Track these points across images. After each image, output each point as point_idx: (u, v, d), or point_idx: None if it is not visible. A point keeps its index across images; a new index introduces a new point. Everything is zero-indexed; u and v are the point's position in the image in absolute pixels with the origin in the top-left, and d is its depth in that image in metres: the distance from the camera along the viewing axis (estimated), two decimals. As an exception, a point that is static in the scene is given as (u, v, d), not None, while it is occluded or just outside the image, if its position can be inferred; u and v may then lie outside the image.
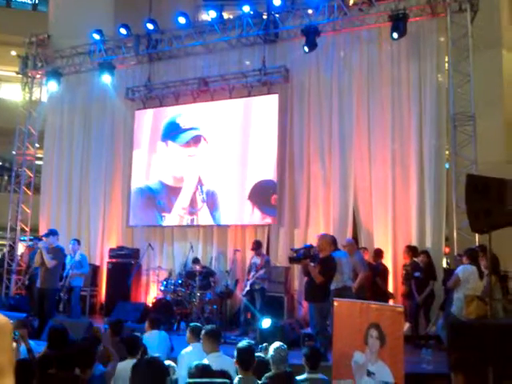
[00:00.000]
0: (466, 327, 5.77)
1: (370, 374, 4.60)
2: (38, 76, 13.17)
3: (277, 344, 4.86)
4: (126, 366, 4.25)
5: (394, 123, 9.32)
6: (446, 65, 9.17)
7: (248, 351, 4.23)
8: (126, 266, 10.62)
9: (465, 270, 6.63)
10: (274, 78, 10.28)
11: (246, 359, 4.16)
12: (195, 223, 10.62)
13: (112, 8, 13.62)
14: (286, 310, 9.12)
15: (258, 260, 8.71)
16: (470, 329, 5.67)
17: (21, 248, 12.74)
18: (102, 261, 11.47)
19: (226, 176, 10.39)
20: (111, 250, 11.09)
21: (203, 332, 4.87)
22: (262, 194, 9.98)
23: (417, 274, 7.86)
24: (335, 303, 5.38)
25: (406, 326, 7.56)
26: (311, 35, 9.53)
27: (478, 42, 9.14)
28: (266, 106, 10.26)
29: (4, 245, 14.92)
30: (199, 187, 10.62)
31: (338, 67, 9.96)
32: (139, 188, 11.31)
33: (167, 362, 4.42)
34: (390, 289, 8.62)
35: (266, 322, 7.08)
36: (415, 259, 8.10)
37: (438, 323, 7.46)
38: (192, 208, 10.64)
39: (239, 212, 10.18)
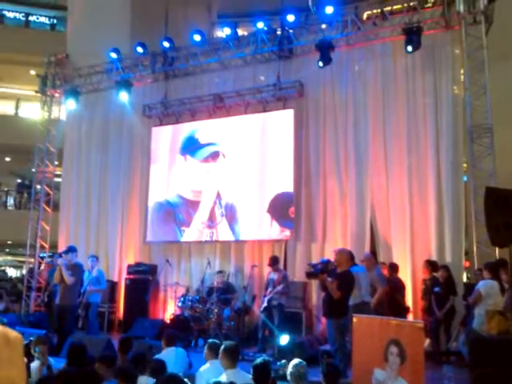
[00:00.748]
0: (487, 343, 5.68)
1: (390, 391, 4.54)
2: (57, 95, 13.39)
3: (296, 360, 4.82)
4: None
5: (410, 136, 9.27)
6: (462, 77, 9.12)
7: (264, 368, 4.20)
8: (143, 282, 10.65)
9: (486, 285, 6.51)
10: (288, 92, 10.32)
11: (261, 376, 4.13)
12: (214, 237, 10.64)
13: (128, 27, 13.85)
14: (304, 326, 9.05)
15: (275, 275, 8.67)
16: (491, 345, 5.57)
17: (40, 265, 12.86)
18: (120, 277, 11.53)
19: (245, 190, 10.41)
20: (129, 267, 11.15)
21: (222, 348, 4.86)
22: (280, 207, 9.99)
23: (436, 289, 7.76)
24: (354, 319, 5.33)
25: (427, 342, 7.45)
26: (325, 50, 9.57)
27: (493, 53, 9.09)
28: (282, 121, 10.29)
29: (23, 262, 15.12)
30: (218, 201, 10.65)
31: (353, 81, 9.97)
32: (158, 202, 11.38)
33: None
34: (410, 304, 8.50)
35: (284, 339, 7.04)
36: (435, 274, 8.00)
37: (459, 339, 7.34)
38: (211, 222, 10.67)
39: (258, 225, 10.19)
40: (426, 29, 9.12)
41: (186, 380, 4.61)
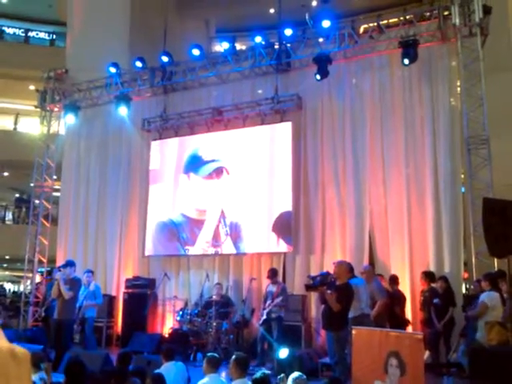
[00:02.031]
0: (487, 354, 5.65)
1: (390, 404, 4.51)
2: (56, 109, 13.46)
3: (296, 374, 4.79)
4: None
5: (407, 148, 9.31)
6: (459, 89, 9.19)
7: (264, 382, 4.18)
8: (142, 296, 10.60)
9: (490, 297, 6.50)
10: (286, 105, 10.38)
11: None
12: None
13: (127, 42, 13.98)
14: (303, 339, 9.00)
15: (273, 288, 8.65)
16: (491, 355, 5.54)
17: (38, 279, 12.81)
18: (119, 291, 11.48)
19: (248, 207, 10.38)
20: (127, 281, 11.10)
21: (233, 357, 4.88)
22: (285, 225, 9.96)
23: (436, 300, 7.73)
24: (354, 331, 5.32)
25: (426, 353, 7.40)
26: (323, 63, 9.65)
27: (489, 65, 9.16)
28: (280, 134, 10.34)
29: (22, 277, 15.06)
30: (222, 220, 10.62)
31: (350, 94, 10.03)
32: (162, 222, 11.31)
33: None
34: (409, 315, 8.47)
35: (283, 352, 6.99)
36: (433, 285, 7.98)
37: (459, 350, 7.30)
38: (215, 241, 10.62)
39: (263, 243, 10.16)
40: (422, 42, 9.20)
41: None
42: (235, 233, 10.43)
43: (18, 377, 0.63)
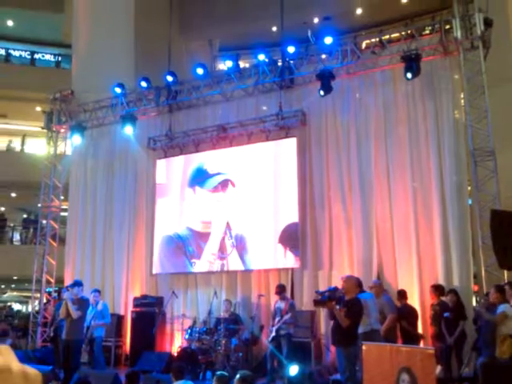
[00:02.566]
0: (499, 367, 5.59)
1: (403, 420, 4.46)
2: (63, 130, 13.57)
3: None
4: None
5: (412, 162, 9.32)
6: (462, 101, 9.22)
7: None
8: (150, 314, 10.57)
9: (509, 308, 6.44)
10: (291, 122, 10.43)
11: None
12: (225, 268, 10.61)
13: (132, 62, 14.13)
14: (313, 356, 8.92)
15: (282, 304, 8.60)
16: (503, 369, 5.47)
17: (45, 300, 12.81)
18: (127, 310, 11.46)
19: (254, 219, 10.42)
20: (135, 299, 11.08)
21: (238, 376, 4.82)
22: (292, 237, 9.99)
23: (446, 314, 7.67)
24: (364, 347, 5.28)
25: (438, 368, 7.32)
26: (326, 79, 9.72)
27: (492, 77, 9.19)
28: (285, 150, 10.38)
29: (29, 297, 15.06)
30: (228, 232, 10.65)
31: (354, 109, 10.08)
32: (168, 236, 11.37)
33: None
34: (419, 330, 8.39)
35: (293, 369, 6.94)
36: (443, 299, 7.91)
37: (477, 362, 7.21)
38: (222, 254, 10.65)
39: (269, 255, 10.19)
40: (424, 55, 9.25)
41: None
42: (241, 244, 10.45)
43: None
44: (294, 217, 10.03)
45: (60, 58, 22.56)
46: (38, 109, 16.30)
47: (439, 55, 9.40)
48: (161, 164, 11.84)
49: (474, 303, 8.84)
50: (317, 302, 6.73)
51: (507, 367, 5.65)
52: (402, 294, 8.41)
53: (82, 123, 12.83)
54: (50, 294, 12.87)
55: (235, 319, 9.45)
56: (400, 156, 9.45)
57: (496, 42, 9.47)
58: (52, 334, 10.35)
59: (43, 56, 22.67)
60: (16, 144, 20.38)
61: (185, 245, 11.11)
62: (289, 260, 9.99)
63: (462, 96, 9.21)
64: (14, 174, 16.75)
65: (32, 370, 0.66)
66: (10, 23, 20.68)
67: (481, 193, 8.58)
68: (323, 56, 10.42)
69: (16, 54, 22.49)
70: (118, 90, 12.17)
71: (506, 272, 7.42)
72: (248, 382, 4.79)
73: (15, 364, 0.64)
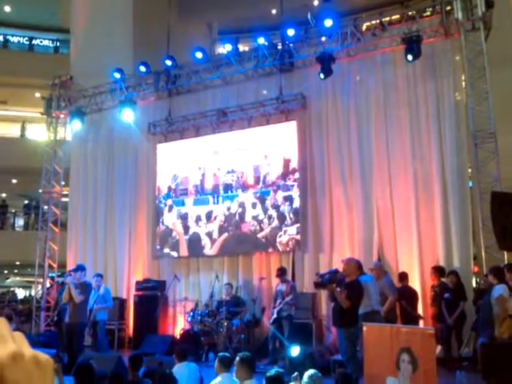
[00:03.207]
0: (498, 347, 5.64)
1: (403, 399, 4.52)
2: (62, 116, 13.54)
3: (311, 371, 4.81)
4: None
5: (413, 144, 9.31)
6: (463, 83, 9.18)
7: (278, 380, 4.20)
8: (152, 298, 10.66)
9: (503, 289, 6.45)
10: (291, 105, 10.40)
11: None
12: (225, 249, 10.71)
13: (131, 47, 14.03)
14: (314, 337, 9.00)
15: (283, 287, 8.68)
16: (502, 349, 5.53)
17: (48, 284, 12.91)
18: (129, 294, 11.54)
19: (253, 204, 10.49)
20: (137, 283, 11.16)
21: (237, 359, 4.87)
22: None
23: (446, 295, 7.73)
24: (364, 328, 5.33)
25: (438, 348, 7.40)
26: (326, 62, 9.66)
27: (493, 58, 9.14)
28: (285, 133, 10.37)
29: (32, 282, 15.16)
30: (229, 215, 10.76)
31: (355, 92, 10.04)
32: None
33: None
34: (420, 311, 8.45)
35: (294, 350, 7.01)
36: (443, 280, 7.97)
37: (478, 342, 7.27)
38: (220, 233, 10.81)
39: (268, 236, 10.28)
40: (425, 37, 9.19)
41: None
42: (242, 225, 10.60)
43: (42, 383, 0.66)
44: (294, 200, 10.06)
45: (58, 44, 22.40)
46: (38, 95, 16.22)
47: (440, 37, 9.33)
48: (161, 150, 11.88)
49: (474, 284, 8.91)
50: (317, 284, 6.77)
51: (506, 347, 5.70)
52: (404, 277, 8.46)
53: (81, 108, 12.79)
54: (52, 278, 12.96)
55: (237, 302, 9.53)
56: (400, 138, 9.44)
57: (497, 23, 9.39)
58: (56, 319, 10.44)
59: (41, 42, 22.50)
60: (16, 130, 20.34)
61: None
62: (290, 243, 10.04)
63: (463, 78, 9.16)
64: (15, 160, 16.73)
65: (44, 356, 0.68)
66: (7, 9, 20.47)
67: (481, 175, 8.58)
68: (323, 39, 10.34)
69: (14, 39, 22.33)
70: (117, 75, 12.11)
71: (505, 253, 7.46)
72: (248, 363, 4.84)
73: (27, 350, 0.66)
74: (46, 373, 0.67)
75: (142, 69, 11.78)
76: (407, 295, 8.18)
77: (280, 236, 10.09)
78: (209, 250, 10.88)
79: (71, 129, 13.25)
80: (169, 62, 11.51)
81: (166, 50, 12.10)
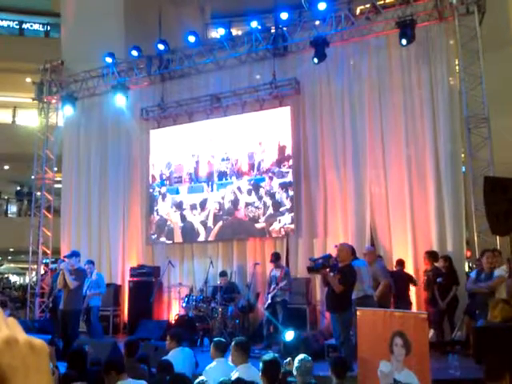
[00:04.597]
0: (490, 331, 5.70)
1: (396, 382, 4.56)
2: (54, 101, 13.42)
3: (302, 356, 4.85)
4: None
5: (407, 129, 9.30)
6: (457, 68, 9.15)
7: (274, 363, 4.23)
8: (147, 284, 10.67)
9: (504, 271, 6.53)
10: (285, 90, 10.35)
11: (272, 372, 4.16)
12: (219, 236, 10.72)
13: (123, 31, 13.86)
14: (308, 322, 9.08)
15: (277, 272, 8.72)
16: (494, 332, 5.59)
17: (43, 271, 12.90)
18: (124, 280, 11.56)
19: (248, 191, 10.49)
20: (132, 269, 11.17)
21: (233, 343, 4.92)
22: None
23: (439, 279, 7.79)
24: (358, 312, 5.36)
25: (431, 332, 7.47)
26: (320, 46, 9.60)
27: (487, 42, 9.11)
28: (279, 119, 10.33)
29: (26, 268, 15.14)
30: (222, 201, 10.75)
31: (349, 76, 10.00)
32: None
33: (200, 378, 4.43)
34: (413, 295, 8.52)
35: (289, 335, 7.06)
36: (436, 264, 8.03)
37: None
38: (215, 220, 10.79)
39: (263, 222, 10.29)
40: (419, 21, 9.14)
41: (202, 378, 4.62)
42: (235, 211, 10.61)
43: (37, 369, 0.65)
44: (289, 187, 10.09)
45: (49, 28, 22.09)
46: (29, 80, 16.01)
47: (434, 21, 9.29)
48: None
49: (467, 269, 8.98)
50: (310, 269, 6.81)
51: (498, 331, 5.76)
52: (401, 263, 8.51)
53: (73, 93, 12.67)
54: (47, 265, 12.95)
55: (231, 287, 9.56)
56: (394, 123, 9.43)
57: (491, 7, 9.34)
58: (50, 305, 10.46)
59: (32, 26, 22.17)
60: (7, 116, 20.14)
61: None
62: (284, 229, 10.06)
63: (457, 62, 9.14)
64: (6, 146, 16.58)
65: (38, 341, 0.68)
66: (-4, -8, 20.15)
67: (474, 159, 8.61)
68: (317, 22, 10.26)
69: (4, 23, 21.99)
70: (109, 60, 11.99)
71: (498, 237, 7.51)
72: (243, 348, 4.89)
73: (21, 335, 0.65)
74: (40, 357, 0.67)
75: (134, 53, 11.67)
76: (400, 280, 8.24)
77: (275, 223, 10.09)
78: (203, 239, 10.88)
79: (63, 114, 13.12)
80: (161, 46, 11.40)
81: (158, 34, 11.96)
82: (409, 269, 8.70)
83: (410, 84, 9.41)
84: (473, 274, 6.98)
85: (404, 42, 8.97)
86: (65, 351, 7.40)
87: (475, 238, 8.25)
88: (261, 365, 4.23)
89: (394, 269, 8.42)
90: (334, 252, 7.04)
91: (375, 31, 9.73)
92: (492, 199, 5.60)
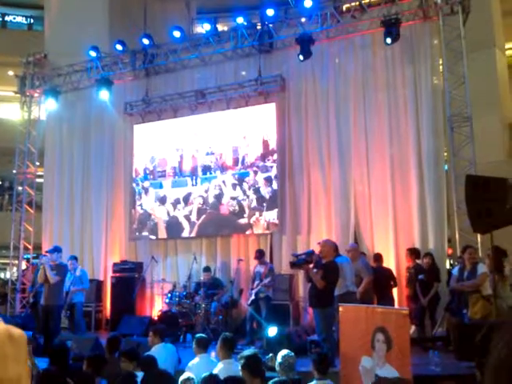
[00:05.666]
0: (470, 327, 5.78)
1: (378, 377, 4.61)
2: (36, 95, 13.24)
3: (285, 351, 4.88)
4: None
5: (391, 127, 9.37)
6: (441, 67, 9.23)
7: (255, 358, 4.25)
8: (129, 280, 10.61)
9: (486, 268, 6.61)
10: (270, 87, 10.35)
11: (254, 365, 4.17)
12: (200, 232, 10.68)
13: (107, 24, 13.73)
14: (291, 318, 9.11)
15: (261, 269, 8.74)
16: (474, 329, 5.67)
17: (24, 266, 12.76)
18: (106, 276, 11.47)
19: (232, 186, 10.46)
20: (115, 265, 11.09)
21: (220, 338, 4.96)
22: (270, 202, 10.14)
23: (421, 276, 7.87)
24: (340, 308, 5.39)
25: (412, 328, 7.55)
26: (305, 44, 9.60)
27: (471, 43, 9.21)
28: (264, 115, 10.33)
29: (7, 264, 14.94)
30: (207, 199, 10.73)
31: (334, 74, 10.03)
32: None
33: (187, 375, 4.43)
34: (394, 292, 8.60)
35: (272, 331, 7.09)
36: (418, 262, 8.11)
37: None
38: (198, 217, 10.75)
39: (246, 219, 10.28)
40: (404, 20, 9.18)
41: (188, 375, 4.61)
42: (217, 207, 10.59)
43: (15, 358, 0.64)
44: (273, 182, 10.09)
45: (32, 20, 21.79)
46: (11, 73, 15.77)
47: (419, 20, 9.35)
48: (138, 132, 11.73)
49: (448, 266, 9.09)
50: (293, 264, 6.84)
51: (478, 328, 5.84)
52: (378, 258, 8.58)
53: (56, 87, 12.51)
54: (28, 260, 12.80)
55: (215, 283, 9.55)
56: (378, 121, 9.48)
57: (475, 7, 9.45)
58: (31, 300, 10.36)
59: (14, 18, 21.85)
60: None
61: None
62: (268, 225, 10.07)
63: (441, 62, 9.22)
64: (-13, 140, 16.35)
65: (17, 330, 0.67)
66: (-22, -17, 19.83)
67: (457, 159, 8.70)
68: (303, 20, 10.27)
69: (-14, 16, 21.66)
70: (93, 54, 11.87)
71: (479, 236, 7.60)
72: (229, 344, 4.92)
73: (0, 324, 0.65)
74: (19, 346, 0.66)
75: (119, 47, 11.56)
76: (382, 276, 8.30)
77: (258, 218, 10.10)
78: (187, 233, 10.84)
79: (46, 108, 12.97)
80: (146, 41, 11.32)
81: (143, 29, 11.88)
82: (391, 265, 8.77)
83: (395, 83, 9.47)
84: (455, 272, 7.06)
85: (389, 40, 9.02)
86: (46, 347, 7.34)
87: (457, 236, 8.35)
88: (242, 360, 4.24)
89: (373, 265, 8.45)
90: (317, 249, 7.08)
91: (360, 30, 9.76)
92: (474, 197, 5.67)
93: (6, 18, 21.72)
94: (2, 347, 0.63)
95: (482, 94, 10.38)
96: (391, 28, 8.98)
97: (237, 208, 10.33)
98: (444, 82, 8.96)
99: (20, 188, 13.01)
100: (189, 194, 10.92)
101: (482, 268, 6.60)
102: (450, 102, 8.79)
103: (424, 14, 9.25)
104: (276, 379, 4.26)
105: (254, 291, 8.60)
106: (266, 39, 10.48)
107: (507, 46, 14.00)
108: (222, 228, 10.50)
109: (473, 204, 5.66)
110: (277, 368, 4.83)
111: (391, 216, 9.08)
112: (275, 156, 10.10)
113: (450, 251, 9.14)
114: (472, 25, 9.48)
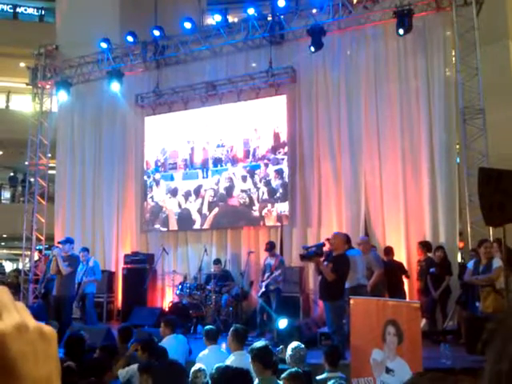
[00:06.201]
0: (482, 321, 5.74)
1: (388, 371, 4.60)
2: (48, 86, 13.29)
3: (295, 343, 4.89)
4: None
5: (402, 119, 9.30)
6: (454, 59, 9.13)
7: (266, 349, 4.25)
8: (141, 271, 10.68)
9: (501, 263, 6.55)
10: (281, 79, 10.30)
11: (264, 357, 4.18)
12: (213, 224, 10.70)
13: (118, 16, 13.72)
14: (301, 310, 9.12)
15: (271, 261, 8.75)
16: (485, 323, 5.65)
17: (36, 257, 12.88)
18: (118, 267, 11.56)
19: (242, 178, 10.48)
20: (126, 256, 11.16)
21: (231, 330, 4.97)
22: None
23: (432, 269, 7.84)
24: (351, 301, 5.39)
25: (423, 321, 7.53)
26: (317, 35, 9.54)
27: (484, 34, 9.09)
28: (275, 107, 10.29)
29: (20, 255, 15.11)
30: (215, 189, 10.75)
31: (345, 65, 9.96)
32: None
33: (198, 366, 4.46)
34: (405, 284, 8.58)
35: (282, 323, 7.10)
36: (429, 255, 8.07)
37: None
38: (209, 209, 10.80)
39: (256, 212, 10.29)
40: (416, 11, 9.09)
41: (199, 365, 4.64)
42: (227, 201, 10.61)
43: (46, 355, 0.65)
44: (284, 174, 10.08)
45: (43, 12, 21.84)
46: (22, 64, 15.86)
47: (432, 11, 9.25)
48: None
49: (460, 259, 9.04)
50: (303, 257, 6.83)
51: (489, 320, 5.82)
52: (389, 251, 8.56)
53: (67, 79, 12.56)
54: (40, 251, 12.92)
55: (225, 275, 9.59)
56: (390, 113, 9.42)
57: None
58: (43, 291, 10.45)
59: (26, 10, 21.91)
60: (1, 101, 19.96)
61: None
62: (279, 217, 10.07)
63: (454, 53, 9.12)
64: (0, 131, 16.47)
65: (48, 328, 0.67)
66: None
67: (469, 151, 8.63)
68: (314, 11, 10.20)
69: (-3, 7, 21.74)
70: (104, 45, 11.87)
71: (491, 229, 7.55)
72: (241, 335, 4.93)
73: (31, 321, 0.65)
74: (50, 344, 0.67)
75: (130, 39, 11.56)
76: (393, 269, 8.29)
77: (270, 210, 10.10)
78: (199, 226, 10.87)
79: (57, 100, 13.03)
80: (157, 33, 11.30)
81: (153, 20, 11.85)
82: (402, 259, 8.74)
83: (407, 74, 9.39)
84: (470, 265, 7.00)
85: (401, 31, 8.93)
86: (58, 337, 7.41)
87: (468, 229, 8.29)
88: (251, 352, 4.24)
89: (384, 258, 8.42)
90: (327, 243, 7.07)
91: (372, 21, 9.67)
92: (486, 190, 5.62)
93: (18, 10, 21.79)
94: (34, 345, 0.64)
95: (494, 86, 10.24)
96: (404, 19, 8.90)
97: (247, 200, 10.34)
98: (457, 73, 8.86)
99: (32, 179, 13.11)
100: (199, 187, 10.94)
101: (498, 262, 6.54)
102: (462, 94, 8.69)
103: (437, 5, 9.14)
104: (291, 370, 4.26)
105: (264, 283, 8.61)
106: (277, 30, 10.42)
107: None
108: (234, 220, 10.51)
109: (485, 197, 5.62)
110: (287, 360, 4.85)
111: (402, 209, 9.03)
112: (286, 149, 10.08)
113: (461, 245, 9.09)
114: (485, 16, 9.34)
